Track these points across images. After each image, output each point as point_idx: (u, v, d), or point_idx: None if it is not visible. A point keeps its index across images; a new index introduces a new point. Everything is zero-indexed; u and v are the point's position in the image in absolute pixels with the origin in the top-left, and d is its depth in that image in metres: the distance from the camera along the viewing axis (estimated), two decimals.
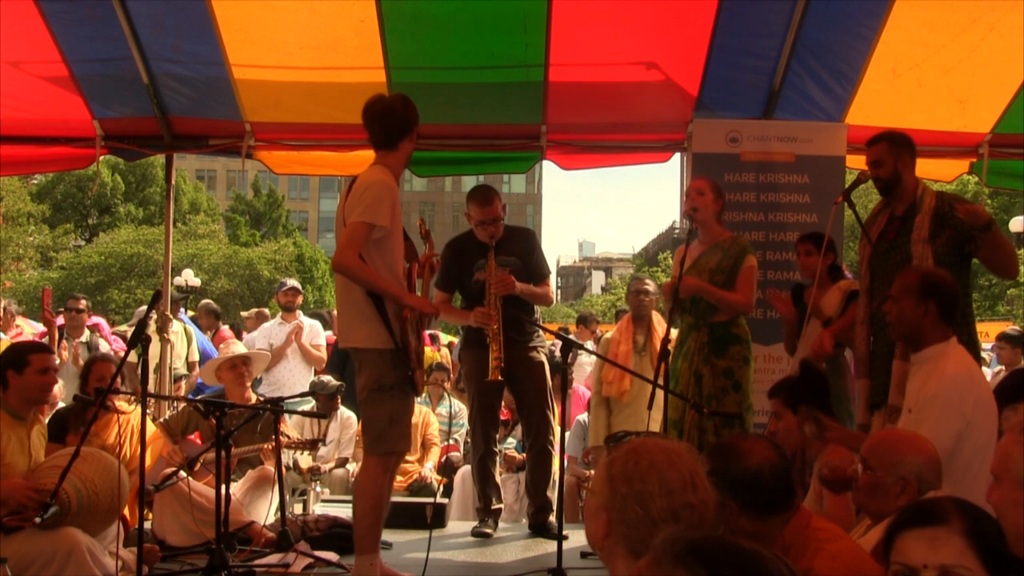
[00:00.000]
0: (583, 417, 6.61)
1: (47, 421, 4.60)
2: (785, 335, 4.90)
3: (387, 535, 4.27)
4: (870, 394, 3.98)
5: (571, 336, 7.46)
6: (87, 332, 7.09)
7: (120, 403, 4.56)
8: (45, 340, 6.28)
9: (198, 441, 4.91)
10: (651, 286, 5.89)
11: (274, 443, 4.59)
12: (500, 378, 4.49)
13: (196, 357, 7.78)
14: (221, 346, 6.87)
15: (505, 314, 4.55)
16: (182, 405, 5.09)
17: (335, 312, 5.12)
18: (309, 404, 6.42)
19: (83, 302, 7.27)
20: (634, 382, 5.47)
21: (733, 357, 4.42)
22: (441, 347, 11.04)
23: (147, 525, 4.15)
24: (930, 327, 3.27)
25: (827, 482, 3.23)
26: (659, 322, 5.78)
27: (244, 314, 11.58)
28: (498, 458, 5.21)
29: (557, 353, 5.80)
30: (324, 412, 6.18)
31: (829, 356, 4.52)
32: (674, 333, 4.96)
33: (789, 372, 4.64)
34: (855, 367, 4.41)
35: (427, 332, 7.27)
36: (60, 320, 7.47)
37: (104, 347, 7.05)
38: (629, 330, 5.74)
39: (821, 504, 3.28)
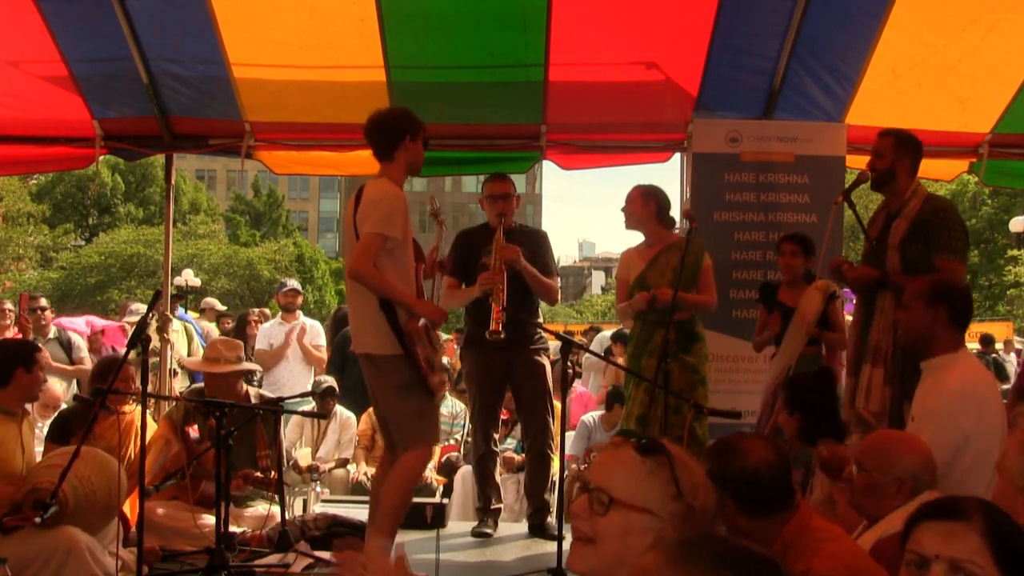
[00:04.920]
0: (588, 417, 6.60)
1: (50, 422, 4.60)
2: (760, 334, 4.86)
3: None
4: (855, 394, 3.99)
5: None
6: (54, 329, 6.99)
7: (127, 406, 4.52)
8: None
9: (194, 432, 4.85)
10: None
11: (268, 453, 4.57)
12: (502, 333, 4.39)
13: (200, 355, 7.77)
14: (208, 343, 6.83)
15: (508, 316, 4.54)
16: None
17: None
18: (309, 404, 6.42)
19: (43, 300, 7.18)
20: None
21: (697, 354, 4.63)
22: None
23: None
24: (940, 334, 3.24)
25: (825, 466, 3.24)
26: None
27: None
28: (498, 458, 5.22)
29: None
30: (319, 412, 6.17)
31: (810, 356, 4.53)
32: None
33: (770, 373, 4.65)
34: (847, 367, 4.41)
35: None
36: None
37: (76, 339, 6.98)
38: None
39: (835, 509, 3.26)
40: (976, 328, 17.36)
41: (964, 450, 3.06)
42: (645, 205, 4.73)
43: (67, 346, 6.83)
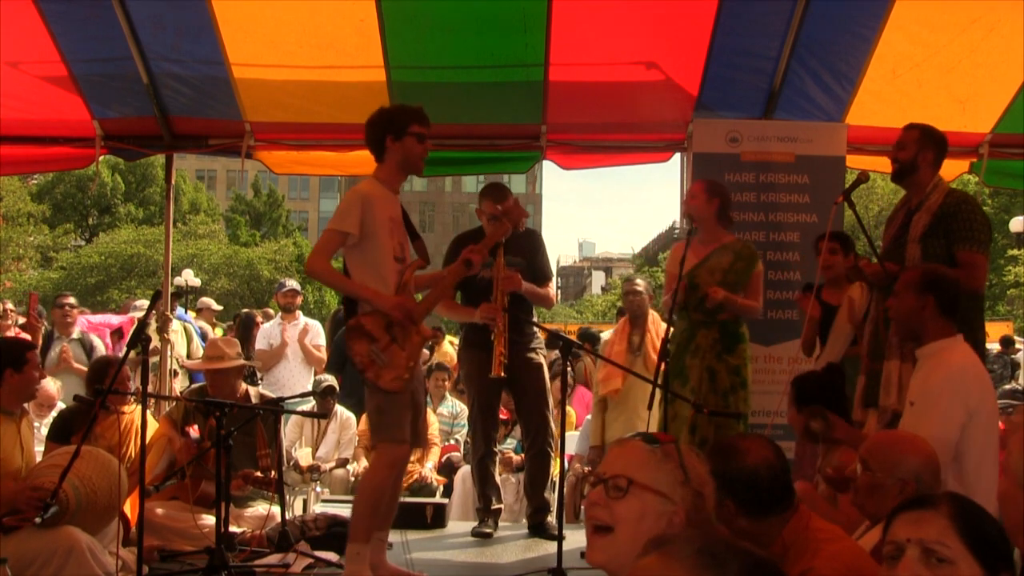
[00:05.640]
0: None
1: (50, 422, 4.60)
2: (805, 334, 4.85)
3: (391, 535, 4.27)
4: (865, 392, 3.98)
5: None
6: (77, 330, 7.03)
7: (127, 406, 4.52)
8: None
9: (195, 432, 4.85)
10: (642, 286, 6.00)
11: (268, 452, 4.57)
12: (503, 374, 4.46)
13: (199, 355, 7.76)
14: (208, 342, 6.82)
15: (527, 319, 4.54)
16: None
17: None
18: (309, 404, 6.42)
19: (72, 299, 7.20)
20: (624, 381, 5.53)
21: (740, 356, 4.55)
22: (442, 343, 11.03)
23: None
24: (930, 322, 3.28)
25: (830, 481, 3.25)
26: (653, 322, 5.81)
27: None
28: (497, 458, 5.22)
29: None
30: (320, 411, 6.17)
31: (855, 357, 4.51)
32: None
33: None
34: (862, 364, 4.40)
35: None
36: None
37: (98, 343, 7.01)
38: (625, 331, 5.77)
39: (835, 504, 3.27)
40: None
41: (971, 429, 3.10)
42: (709, 202, 4.59)
43: (89, 349, 6.83)
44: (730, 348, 4.52)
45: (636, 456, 1.77)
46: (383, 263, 3.81)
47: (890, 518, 1.78)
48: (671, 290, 4.68)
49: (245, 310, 11.50)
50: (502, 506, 5.11)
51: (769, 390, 4.97)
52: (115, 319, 8.88)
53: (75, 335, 6.92)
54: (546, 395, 4.85)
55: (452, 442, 6.98)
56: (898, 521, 1.75)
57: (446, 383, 7.42)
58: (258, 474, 4.52)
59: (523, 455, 5.97)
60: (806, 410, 3.64)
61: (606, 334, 6.78)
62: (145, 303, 8.77)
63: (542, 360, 4.87)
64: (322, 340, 7.40)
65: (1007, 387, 8.88)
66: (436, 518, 5.00)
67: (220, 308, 11.80)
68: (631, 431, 5.46)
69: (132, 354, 4.04)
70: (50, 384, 5.84)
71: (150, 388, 5.33)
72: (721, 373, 4.48)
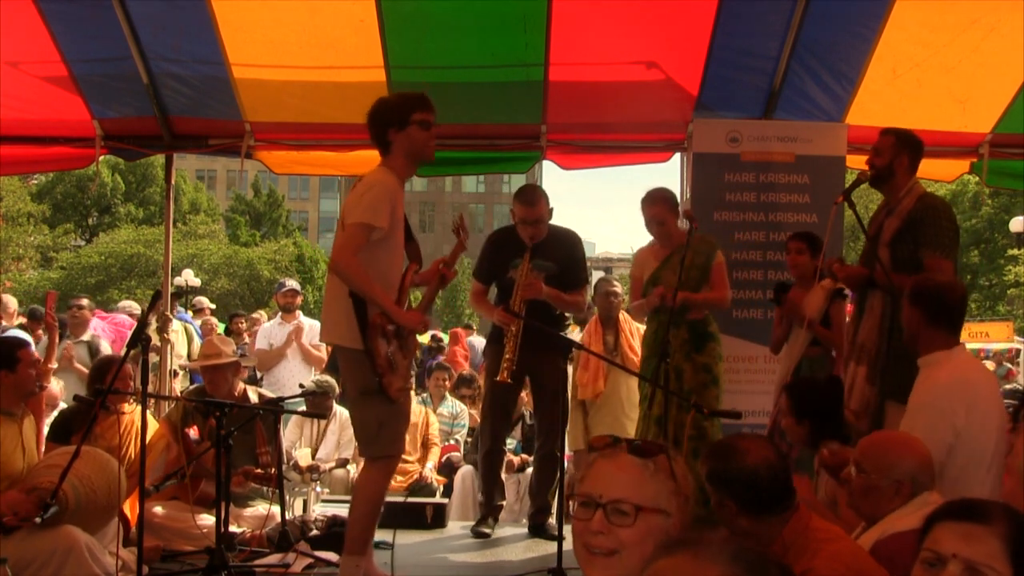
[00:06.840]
0: None
1: (51, 422, 4.60)
2: (774, 334, 4.87)
3: (387, 535, 4.27)
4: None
5: None
6: (89, 332, 7.05)
7: (126, 405, 4.52)
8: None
9: (194, 433, 4.85)
10: (619, 287, 6.10)
11: (268, 450, 4.57)
12: (509, 380, 4.45)
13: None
14: (205, 341, 6.79)
15: (529, 321, 4.51)
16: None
17: None
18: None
19: (85, 301, 7.23)
20: (606, 383, 5.54)
21: (710, 354, 4.62)
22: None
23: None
24: (921, 333, 3.29)
25: (827, 467, 3.25)
26: (625, 320, 5.82)
27: (255, 315, 11.64)
28: (504, 458, 5.20)
29: None
30: (318, 412, 6.16)
31: (814, 357, 4.52)
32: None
33: (778, 373, 4.67)
34: (838, 366, 4.41)
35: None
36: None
37: (105, 348, 7.03)
38: (599, 332, 5.79)
39: (836, 508, 3.25)
40: (976, 328, 17.26)
41: (958, 447, 3.07)
42: (671, 212, 4.69)
43: (95, 352, 6.82)
44: (699, 347, 4.58)
45: (634, 476, 1.65)
46: (395, 262, 3.72)
47: (935, 520, 1.69)
48: (637, 294, 4.78)
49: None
50: (504, 503, 5.10)
51: (769, 390, 4.97)
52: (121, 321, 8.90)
53: (85, 337, 6.93)
54: (565, 400, 4.78)
55: (452, 442, 6.97)
56: (944, 529, 1.65)
57: (446, 383, 7.42)
58: (258, 470, 4.52)
59: (522, 456, 5.99)
60: (806, 421, 3.59)
61: (574, 335, 6.74)
62: (132, 304, 8.79)
63: (568, 366, 4.84)
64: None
65: (1008, 387, 8.89)
66: (436, 518, 5.00)
67: (213, 307, 11.85)
68: (620, 434, 5.48)
69: (132, 353, 4.03)
70: (53, 384, 5.85)
71: (150, 388, 5.33)
72: (687, 372, 4.51)
